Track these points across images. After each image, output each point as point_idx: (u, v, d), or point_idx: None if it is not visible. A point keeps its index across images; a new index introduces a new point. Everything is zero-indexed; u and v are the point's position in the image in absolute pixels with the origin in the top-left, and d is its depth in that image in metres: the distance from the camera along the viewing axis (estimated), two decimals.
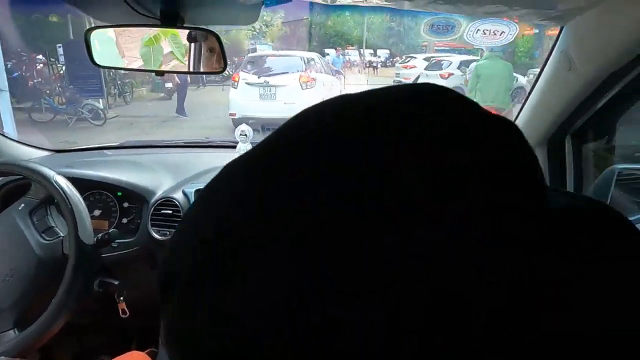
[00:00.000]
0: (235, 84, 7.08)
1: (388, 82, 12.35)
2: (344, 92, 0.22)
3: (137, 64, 0.91)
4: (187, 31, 0.88)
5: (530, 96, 1.12)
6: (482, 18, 0.64)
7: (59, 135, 6.49)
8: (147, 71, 0.93)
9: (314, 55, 8.62)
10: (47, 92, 7.84)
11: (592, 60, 0.79)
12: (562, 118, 1.02)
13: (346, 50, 20.49)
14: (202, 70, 0.91)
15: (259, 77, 7.00)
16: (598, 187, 1.16)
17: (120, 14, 0.93)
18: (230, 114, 6.83)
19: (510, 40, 1.15)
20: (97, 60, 0.95)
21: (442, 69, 9.36)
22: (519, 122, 1.22)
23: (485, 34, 1.04)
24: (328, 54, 18.69)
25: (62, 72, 7.39)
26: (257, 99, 6.81)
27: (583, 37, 0.80)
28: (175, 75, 8.23)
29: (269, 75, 7.07)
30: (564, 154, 1.11)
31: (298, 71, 7.26)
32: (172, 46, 0.89)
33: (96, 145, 1.68)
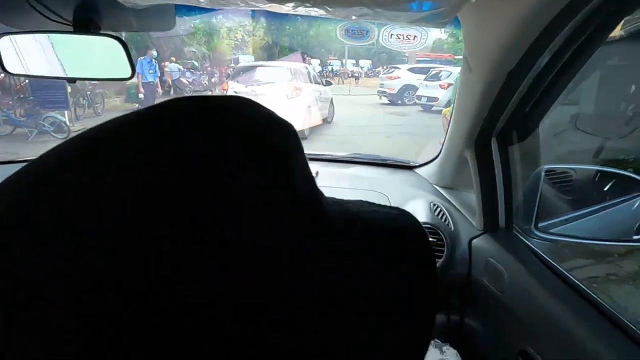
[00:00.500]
0: (225, 93, 7.43)
1: (372, 91, 12.56)
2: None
3: (46, 70, 0.91)
4: (95, 37, 0.88)
5: (455, 102, 1.14)
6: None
7: (16, 148, 6.37)
8: (55, 78, 0.93)
9: (301, 65, 8.91)
10: (9, 103, 7.63)
11: (485, 61, 0.81)
12: (481, 120, 1.04)
13: (328, 61, 20.67)
14: (109, 77, 0.91)
15: (246, 87, 7.42)
16: (528, 187, 1.19)
17: (33, 20, 0.93)
18: None
19: (424, 44, 1.18)
20: (8, 68, 0.94)
21: (441, 80, 9.99)
22: (451, 127, 1.24)
23: (399, 38, 1.06)
24: (311, 64, 18.83)
25: (25, 83, 7.23)
26: None
27: (474, 39, 0.82)
28: (140, 85, 8.28)
29: (256, 85, 7.48)
30: (490, 156, 1.13)
31: (285, 81, 7.63)
32: (79, 53, 0.88)
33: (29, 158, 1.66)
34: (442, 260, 1.22)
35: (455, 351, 1.17)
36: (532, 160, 1.15)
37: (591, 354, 0.72)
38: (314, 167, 1.65)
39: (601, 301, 0.82)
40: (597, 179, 1.20)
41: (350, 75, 19.12)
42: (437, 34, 11.51)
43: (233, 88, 7.46)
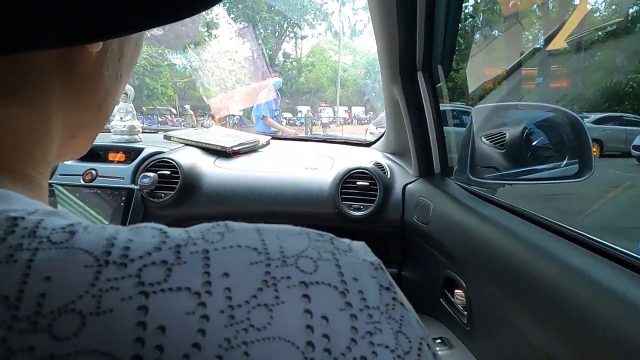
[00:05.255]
0: None
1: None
2: None
3: None
4: None
5: (376, 38, 1.27)
6: None
7: None
8: None
9: None
10: None
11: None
12: (397, 50, 1.16)
13: (320, 107, 21.25)
14: None
15: None
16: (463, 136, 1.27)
17: None
18: None
19: None
20: None
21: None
22: (381, 68, 1.35)
23: None
24: (300, 111, 19.38)
25: None
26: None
27: None
28: None
29: None
30: (419, 91, 1.23)
31: None
32: None
33: None
34: (375, 204, 1.27)
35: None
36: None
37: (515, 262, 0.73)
38: (275, 144, 1.78)
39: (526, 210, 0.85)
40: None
41: (342, 122, 19.41)
42: None
43: None
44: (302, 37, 27.76)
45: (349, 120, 20.60)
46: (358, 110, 22.90)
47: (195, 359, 0.15)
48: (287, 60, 27.01)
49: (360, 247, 0.23)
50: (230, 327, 0.16)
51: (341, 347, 0.17)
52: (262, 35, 24.00)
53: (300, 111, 19.42)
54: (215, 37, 21.72)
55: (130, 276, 0.17)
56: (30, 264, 0.16)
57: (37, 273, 0.16)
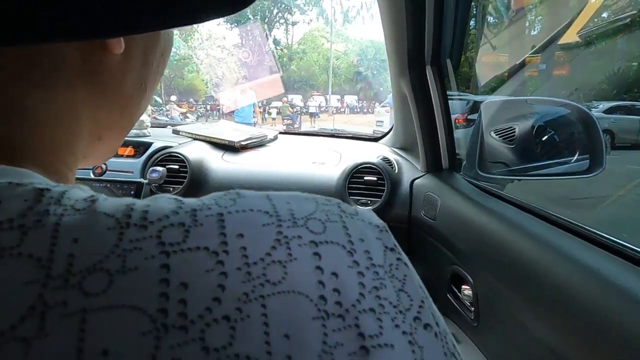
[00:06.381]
0: None
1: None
2: None
3: None
4: None
5: (384, 34, 1.29)
6: None
7: None
8: None
9: None
10: None
11: None
12: (405, 43, 1.18)
13: (312, 96, 21.02)
14: None
15: None
16: (472, 132, 1.29)
17: None
18: None
19: None
20: None
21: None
22: (389, 62, 1.37)
23: None
24: (292, 99, 19.16)
25: None
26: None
27: None
28: None
29: None
30: (427, 85, 1.25)
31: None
32: None
33: None
34: (382, 199, 1.29)
35: None
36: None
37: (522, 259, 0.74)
38: (282, 138, 1.80)
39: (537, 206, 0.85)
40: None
41: (334, 111, 18.98)
42: None
43: None
44: (293, 23, 27.45)
45: (342, 109, 20.34)
46: (351, 99, 22.68)
47: (217, 311, 0.17)
48: (278, 48, 26.74)
49: (366, 212, 0.24)
50: (248, 282, 0.18)
51: (351, 299, 0.19)
52: (251, 20, 23.77)
53: (292, 99, 19.12)
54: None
55: (151, 237, 0.18)
56: (57, 227, 0.18)
57: (64, 236, 0.18)
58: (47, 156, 0.27)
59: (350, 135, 2.01)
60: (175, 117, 11.95)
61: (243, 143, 1.56)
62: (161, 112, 14.23)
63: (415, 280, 0.22)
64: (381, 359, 0.18)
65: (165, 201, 0.20)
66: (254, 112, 8.09)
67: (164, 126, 1.95)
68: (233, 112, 7.75)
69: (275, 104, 17.01)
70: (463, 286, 1.00)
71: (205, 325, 0.16)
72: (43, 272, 0.16)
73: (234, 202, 0.21)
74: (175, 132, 1.64)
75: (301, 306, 0.18)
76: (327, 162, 1.51)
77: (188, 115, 14.42)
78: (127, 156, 1.45)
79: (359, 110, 20.09)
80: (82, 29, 0.21)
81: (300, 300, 0.18)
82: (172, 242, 0.18)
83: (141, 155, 1.42)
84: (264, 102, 16.41)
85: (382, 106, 12.60)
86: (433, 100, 1.25)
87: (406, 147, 1.61)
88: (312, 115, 16.51)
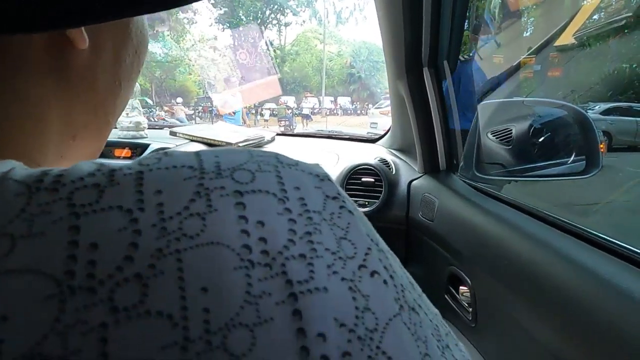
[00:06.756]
0: None
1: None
2: None
3: None
4: None
5: (382, 36, 1.30)
6: None
7: None
8: None
9: None
10: None
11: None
12: (403, 46, 1.20)
13: (306, 98, 20.99)
14: None
15: None
16: (469, 132, 1.30)
17: None
18: None
19: None
20: None
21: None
22: (387, 66, 1.38)
23: None
24: (286, 101, 19.11)
25: None
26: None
27: None
28: None
29: None
30: (424, 87, 1.26)
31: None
32: None
33: None
34: (380, 200, 1.30)
35: None
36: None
37: (520, 258, 0.75)
38: (280, 140, 1.81)
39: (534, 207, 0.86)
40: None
41: (327, 113, 18.84)
42: None
43: None
44: (286, 24, 27.42)
45: (335, 111, 20.30)
46: (344, 101, 22.66)
47: (128, 270, 0.16)
48: (271, 49, 26.52)
49: (310, 164, 0.23)
50: (162, 237, 0.17)
51: (278, 247, 0.18)
52: (244, 22, 23.70)
53: (286, 101, 19.08)
54: (195, 22, 21.32)
55: (61, 199, 0.18)
56: None
57: None
58: (12, 150, 0.26)
59: (348, 136, 2.03)
60: (182, 117, 11.88)
61: (240, 144, 1.56)
62: (151, 113, 14.15)
63: (362, 228, 0.21)
64: (312, 303, 0.17)
65: (86, 165, 0.20)
66: (242, 115, 8.06)
67: (161, 127, 1.95)
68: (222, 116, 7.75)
69: (268, 105, 16.95)
70: (461, 287, 1.01)
71: (115, 285, 0.16)
72: None
73: (158, 161, 0.20)
74: (173, 133, 1.63)
75: (221, 257, 0.17)
76: (324, 163, 1.52)
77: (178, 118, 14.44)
78: (124, 158, 1.45)
79: (352, 112, 20.04)
80: (30, 20, 0.21)
81: (220, 251, 0.17)
82: (84, 204, 0.17)
83: (138, 157, 1.41)
84: (257, 104, 16.33)
85: (376, 108, 12.47)
86: (430, 101, 1.26)
87: (404, 149, 1.62)
88: (304, 117, 16.46)
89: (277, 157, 0.22)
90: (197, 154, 0.21)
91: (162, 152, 0.21)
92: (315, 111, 18.50)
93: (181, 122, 8.79)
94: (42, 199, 0.18)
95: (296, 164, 0.22)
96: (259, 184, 0.20)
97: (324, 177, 0.22)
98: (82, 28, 0.27)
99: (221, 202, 0.19)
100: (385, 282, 0.20)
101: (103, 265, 0.16)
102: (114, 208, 0.17)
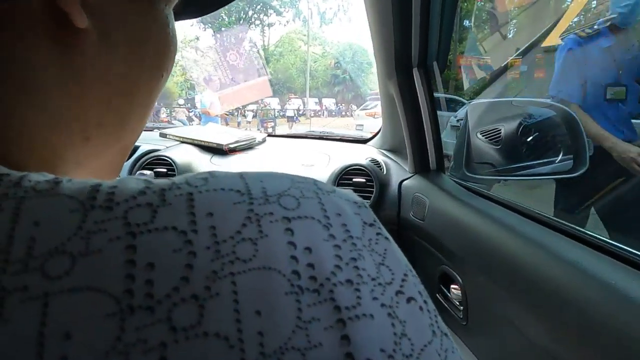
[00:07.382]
0: None
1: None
2: None
3: None
4: None
5: (371, 36, 1.32)
6: None
7: None
8: None
9: None
10: None
11: None
12: (392, 45, 1.21)
13: (290, 99, 20.92)
14: None
15: None
16: (459, 131, 1.33)
17: None
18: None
19: None
20: None
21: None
22: (377, 65, 1.40)
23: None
24: (269, 103, 19.00)
25: None
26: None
27: None
28: None
29: None
30: (414, 87, 1.27)
31: None
32: None
33: None
34: (371, 200, 1.31)
35: None
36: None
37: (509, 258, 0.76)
38: (271, 141, 1.81)
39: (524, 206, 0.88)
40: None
41: (312, 114, 18.64)
42: None
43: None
44: (269, 25, 27.28)
45: (320, 113, 20.25)
46: (329, 102, 22.65)
47: (185, 290, 0.16)
48: (254, 50, 26.33)
49: (344, 191, 0.24)
50: (217, 260, 0.17)
51: (326, 273, 0.19)
52: (226, 22, 23.55)
53: (269, 103, 18.96)
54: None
55: (117, 218, 0.18)
56: (18, 211, 0.17)
57: (25, 219, 0.17)
58: (19, 157, 0.25)
59: (339, 137, 2.04)
60: (183, 120, 11.74)
61: (231, 146, 1.56)
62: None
63: (398, 255, 0.22)
64: (360, 329, 0.18)
65: (133, 182, 0.20)
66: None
67: (151, 129, 1.94)
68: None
69: (251, 106, 16.86)
70: (452, 286, 1.02)
71: (173, 305, 0.16)
72: (1, 257, 0.16)
73: (205, 182, 0.20)
74: (163, 135, 1.63)
75: (273, 282, 0.18)
76: (316, 164, 1.53)
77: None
78: None
79: (336, 113, 20.01)
80: None
81: (272, 276, 0.18)
82: (139, 223, 0.18)
83: (128, 159, 1.41)
84: (241, 106, 16.23)
85: (362, 109, 12.40)
86: (420, 102, 1.27)
87: (394, 149, 1.63)
88: (289, 119, 16.37)
89: (315, 183, 0.23)
90: (242, 176, 0.22)
91: (208, 172, 0.22)
92: (300, 113, 18.40)
93: (184, 123, 8.75)
94: (97, 216, 0.18)
95: (333, 190, 0.23)
96: (305, 211, 0.20)
97: (361, 204, 0.23)
98: (79, 4, 0.25)
99: (271, 228, 0.19)
100: (420, 308, 0.21)
101: (160, 285, 0.17)
102: (168, 229, 0.18)
